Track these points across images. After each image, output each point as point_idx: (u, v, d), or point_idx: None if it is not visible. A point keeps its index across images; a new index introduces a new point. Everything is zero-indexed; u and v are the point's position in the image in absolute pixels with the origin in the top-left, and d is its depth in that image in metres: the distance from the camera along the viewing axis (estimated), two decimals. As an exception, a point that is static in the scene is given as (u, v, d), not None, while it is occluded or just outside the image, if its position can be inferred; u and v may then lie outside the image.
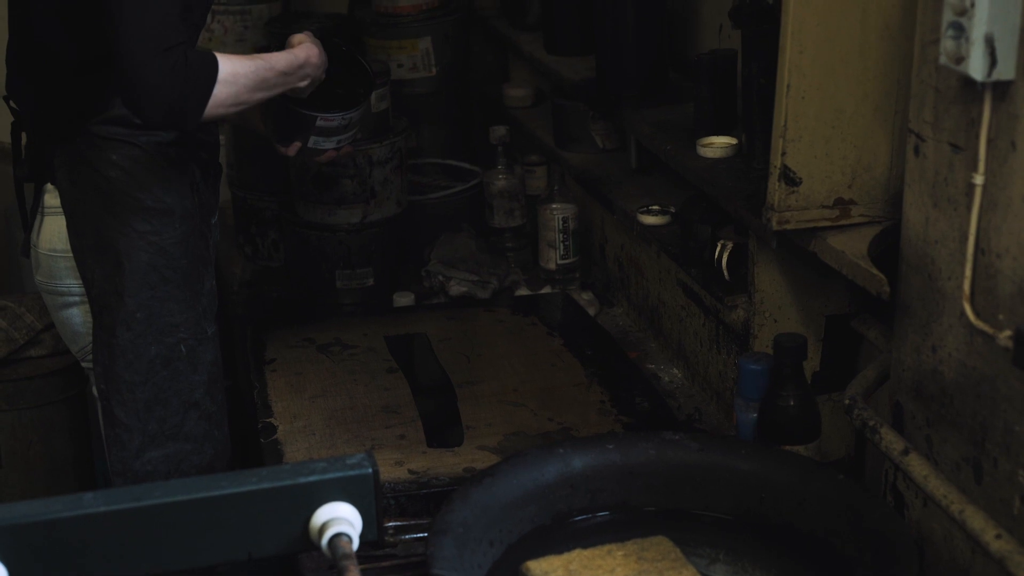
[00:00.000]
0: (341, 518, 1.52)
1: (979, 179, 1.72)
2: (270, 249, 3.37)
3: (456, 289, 3.13)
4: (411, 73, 3.57)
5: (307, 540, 1.54)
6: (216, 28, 3.45)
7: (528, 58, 3.44)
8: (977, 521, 1.76)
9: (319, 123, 2.52)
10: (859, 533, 1.89)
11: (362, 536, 1.54)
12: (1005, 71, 1.65)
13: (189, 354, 2.48)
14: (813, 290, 2.37)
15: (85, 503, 1.48)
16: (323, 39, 2.53)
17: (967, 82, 1.72)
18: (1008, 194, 1.69)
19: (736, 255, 2.44)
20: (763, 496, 2.01)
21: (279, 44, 2.55)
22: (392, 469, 2.29)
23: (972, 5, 1.64)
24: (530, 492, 2.01)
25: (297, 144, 2.55)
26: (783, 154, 2.14)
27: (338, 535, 1.51)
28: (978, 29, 1.64)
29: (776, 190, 2.16)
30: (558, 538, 1.99)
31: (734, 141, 2.55)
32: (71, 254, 2.49)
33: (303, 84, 2.45)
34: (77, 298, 2.57)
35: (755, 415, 2.19)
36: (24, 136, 2.56)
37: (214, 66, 2.26)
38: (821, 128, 2.13)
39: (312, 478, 1.52)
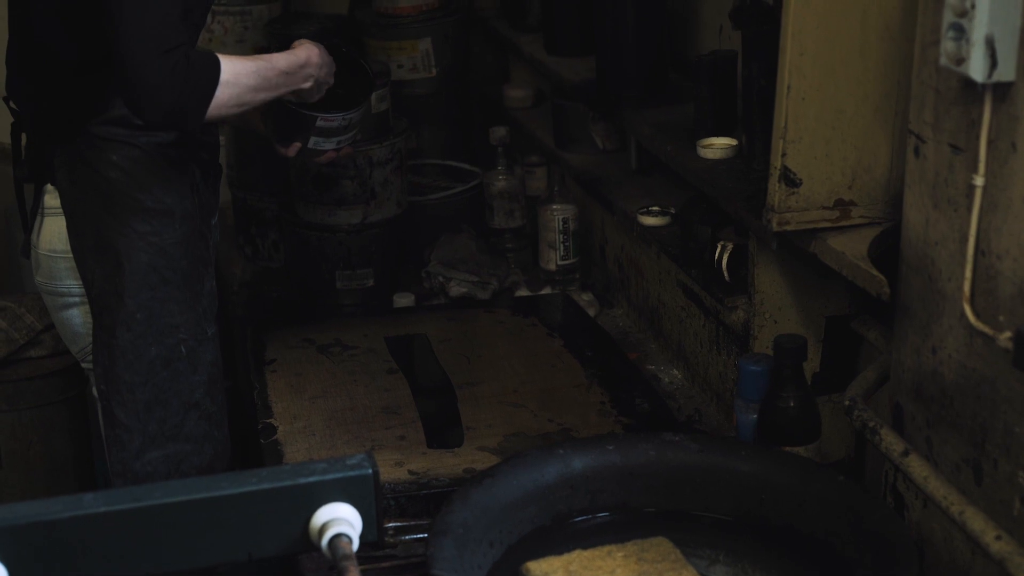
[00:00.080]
0: (341, 519, 1.52)
1: (979, 180, 1.72)
2: (270, 250, 3.37)
3: (456, 290, 3.13)
4: (411, 74, 3.57)
5: (307, 541, 1.53)
6: (216, 29, 3.45)
7: (528, 59, 3.44)
8: (977, 522, 1.76)
9: (319, 124, 2.52)
10: (859, 534, 1.89)
11: (362, 537, 1.54)
12: (1005, 72, 1.65)
13: (189, 355, 2.48)
14: (813, 291, 2.37)
15: (85, 504, 1.48)
16: (323, 40, 2.53)
17: (967, 83, 1.72)
18: (1008, 195, 1.69)
19: (736, 256, 2.44)
20: (763, 497, 2.01)
21: (279, 45, 2.55)
22: (392, 470, 2.29)
23: (972, 6, 1.64)
24: (530, 493, 2.01)
25: (297, 145, 2.55)
26: (783, 155, 2.14)
27: (338, 536, 1.51)
28: (978, 30, 1.64)
29: (776, 191, 2.16)
30: (558, 539, 1.99)
31: (734, 142, 2.55)
32: (71, 255, 2.49)
33: (307, 86, 2.45)
34: (77, 299, 2.57)
35: (755, 416, 2.19)
36: (24, 136, 2.56)
37: (216, 67, 2.26)
38: (821, 129, 2.13)
39: (312, 479, 1.52)
